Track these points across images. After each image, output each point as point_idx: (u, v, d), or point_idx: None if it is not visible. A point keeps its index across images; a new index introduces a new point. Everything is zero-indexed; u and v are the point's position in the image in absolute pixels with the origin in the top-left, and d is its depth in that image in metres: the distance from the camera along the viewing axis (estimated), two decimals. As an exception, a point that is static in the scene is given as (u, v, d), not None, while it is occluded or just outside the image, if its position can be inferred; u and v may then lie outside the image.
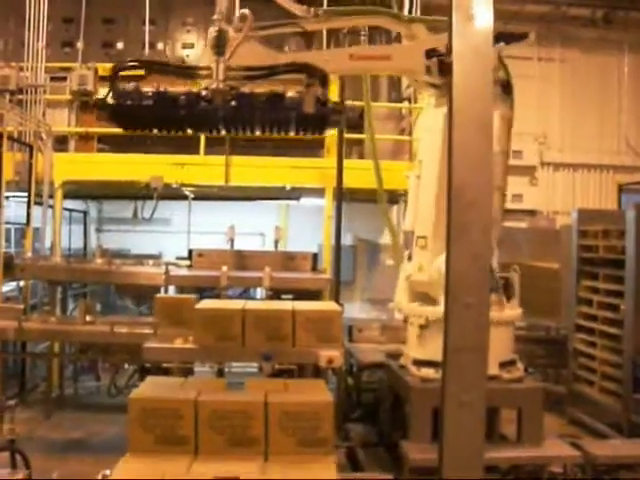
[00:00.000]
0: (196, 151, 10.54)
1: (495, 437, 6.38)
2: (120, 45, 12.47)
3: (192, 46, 12.15)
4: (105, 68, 11.21)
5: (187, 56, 12.06)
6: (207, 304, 6.16)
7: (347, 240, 12.50)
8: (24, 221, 10.24)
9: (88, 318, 8.26)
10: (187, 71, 5.48)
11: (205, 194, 11.51)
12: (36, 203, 10.32)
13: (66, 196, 11.14)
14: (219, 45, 5.12)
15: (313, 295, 7.89)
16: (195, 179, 10.58)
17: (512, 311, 6.64)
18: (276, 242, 9.10)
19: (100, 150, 11.40)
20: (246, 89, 5.30)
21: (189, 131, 6.05)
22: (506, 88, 6.50)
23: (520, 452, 6.29)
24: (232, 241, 8.79)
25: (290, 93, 5.30)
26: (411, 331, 6.70)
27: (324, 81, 5.34)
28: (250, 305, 5.99)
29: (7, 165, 9.52)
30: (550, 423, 7.50)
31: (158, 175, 9.91)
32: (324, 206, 10.14)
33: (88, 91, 11.25)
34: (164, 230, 13.81)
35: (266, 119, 5.46)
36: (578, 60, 14.30)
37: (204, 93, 5.17)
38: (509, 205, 13.00)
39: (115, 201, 13.91)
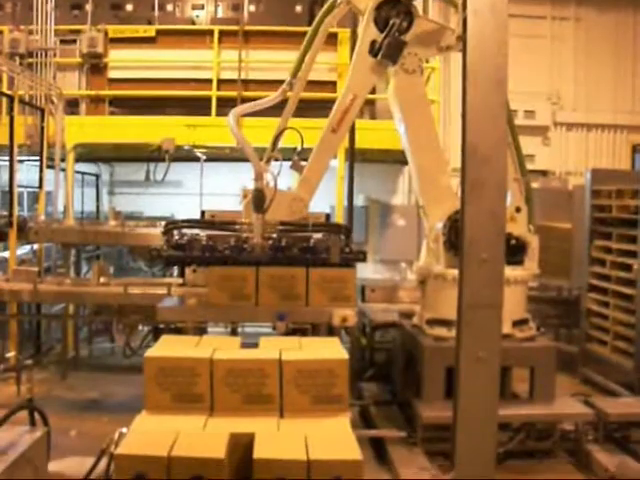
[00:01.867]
0: (208, 112, 10.51)
1: (507, 395, 6.44)
2: (129, 7, 12.34)
3: (202, 7, 12.02)
4: (114, 30, 11.21)
5: (197, 17, 11.95)
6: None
7: (359, 201, 12.48)
8: (36, 185, 10.27)
9: (102, 280, 8.33)
10: (231, 227, 6.50)
11: (217, 155, 11.51)
12: (48, 167, 10.35)
13: (78, 159, 11.18)
14: (258, 205, 6.03)
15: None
16: (207, 140, 10.58)
17: (525, 270, 6.65)
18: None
19: (111, 113, 11.38)
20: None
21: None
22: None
23: (532, 410, 6.35)
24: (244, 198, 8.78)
25: (319, 243, 6.31)
26: (428, 290, 6.73)
27: (347, 233, 6.54)
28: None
29: (19, 129, 9.54)
30: (562, 382, 7.53)
31: (170, 137, 9.91)
32: (336, 167, 10.12)
33: (98, 53, 11.31)
34: (176, 192, 13.83)
35: (297, 261, 6.23)
36: (593, 19, 14.10)
37: (246, 246, 6.19)
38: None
39: (127, 164, 13.91)
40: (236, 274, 6.14)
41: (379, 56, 6.35)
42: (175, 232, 6.46)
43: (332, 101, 6.92)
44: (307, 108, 7.98)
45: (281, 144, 7.01)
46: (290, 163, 6.66)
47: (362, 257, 6.41)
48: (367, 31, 6.45)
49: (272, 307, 5.96)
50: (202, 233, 6.47)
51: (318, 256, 6.22)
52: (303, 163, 6.72)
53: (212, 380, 4.35)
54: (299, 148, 6.63)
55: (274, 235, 6.29)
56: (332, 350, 4.65)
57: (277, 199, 6.12)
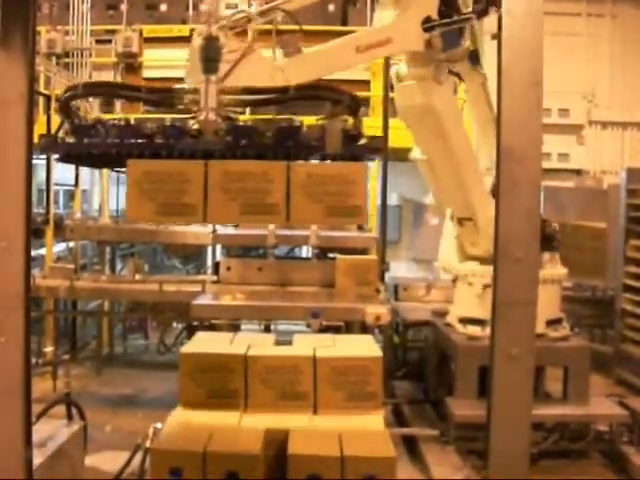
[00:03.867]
0: (242, 111, 10.57)
1: (540, 395, 6.41)
2: (164, 7, 12.47)
3: (235, 6, 12.07)
4: (149, 30, 11.28)
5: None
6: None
7: (393, 200, 12.47)
8: (72, 183, 10.39)
9: (137, 277, 8.42)
10: (165, 98, 4.35)
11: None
12: (84, 165, 10.47)
13: (113, 158, 11.27)
14: (209, 59, 3.82)
15: (359, 254, 7.93)
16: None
17: (559, 270, 6.62)
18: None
19: (146, 112, 11.49)
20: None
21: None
22: (474, 58, 6.16)
23: (566, 410, 6.31)
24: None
25: (306, 125, 4.13)
26: (461, 289, 6.71)
27: (355, 108, 4.41)
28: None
29: (55, 127, 9.66)
30: (596, 383, 7.48)
31: (204, 135, 9.96)
32: (370, 165, 10.12)
33: (133, 53, 11.41)
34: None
35: (274, 156, 4.30)
36: (629, 16, 13.93)
37: (190, 126, 3.98)
38: (555, 164, 12.94)
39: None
40: (171, 172, 3.75)
41: (432, 32, 5.11)
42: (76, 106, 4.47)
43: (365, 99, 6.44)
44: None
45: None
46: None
47: (377, 148, 4.75)
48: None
49: (230, 221, 4.49)
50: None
51: (306, 144, 4.41)
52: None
53: (246, 377, 4.34)
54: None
55: (235, 110, 4.34)
56: (366, 347, 4.67)
57: (246, 56, 4.13)
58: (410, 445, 6.33)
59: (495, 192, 6.27)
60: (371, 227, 9.09)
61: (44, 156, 9.35)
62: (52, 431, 4.59)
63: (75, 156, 4.28)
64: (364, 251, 8.13)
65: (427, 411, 7.01)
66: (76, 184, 10.22)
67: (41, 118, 9.54)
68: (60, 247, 10.50)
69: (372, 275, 6.57)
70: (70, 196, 12.30)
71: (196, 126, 3.88)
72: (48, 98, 9.56)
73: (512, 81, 3.08)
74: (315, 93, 4.36)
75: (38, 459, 4.01)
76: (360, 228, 8.48)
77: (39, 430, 4.39)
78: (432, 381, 7.31)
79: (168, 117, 10.65)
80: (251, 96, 4.19)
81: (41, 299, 8.82)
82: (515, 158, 3.02)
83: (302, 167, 3.90)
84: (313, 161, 4.27)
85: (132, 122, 4.23)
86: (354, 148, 4.32)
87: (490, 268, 3.08)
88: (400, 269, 11.27)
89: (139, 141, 4.16)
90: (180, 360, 4.42)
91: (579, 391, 6.37)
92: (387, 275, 9.24)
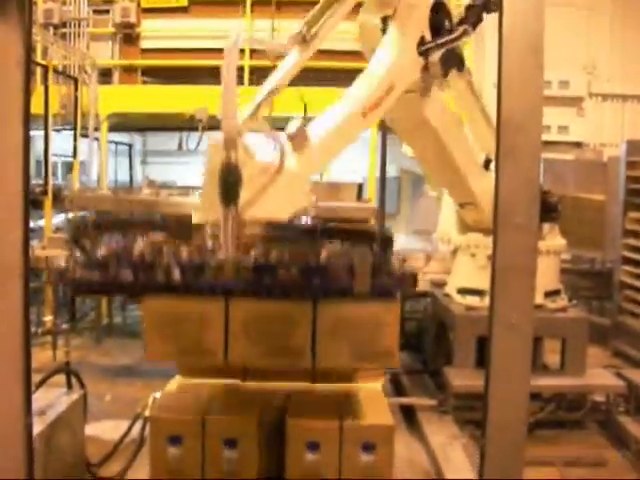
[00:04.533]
0: (240, 82, 10.51)
1: (538, 367, 6.43)
2: (162, -23, 12.34)
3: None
4: (148, 0, 11.18)
5: None
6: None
7: (391, 171, 12.45)
8: (70, 154, 10.35)
9: (136, 247, 8.41)
10: (183, 230, 4.06)
11: (250, 124, 11.49)
12: (82, 136, 10.42)
13: (111, 129, 11.22)
14: (229, 192, 3.34)
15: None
16: (240, 109, 10.56)
17: (559, 241, 6.62)
18: (321, 173, 9.07)
19: (144, 83, 11.43)
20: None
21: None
22: (459, 63, 5.82)
23: (563, 380, 6.34)
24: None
25: (334, 262, 3.87)
26: (461, 260, 6.71)
27: (388, 244, 4.20)
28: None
29: (53, 99, 9.61)
30: (594, 355, 7.51)
31: (203, 106, 9.90)
32: (368, 137, 10.09)
33: (131, 23, 11.33)
34: (209, 162, 13.88)
35: (296, 291, 3.95)
36: (630, -14, 13.83)
37: (208, 263, 3.87)
38: (555, 137, 12.89)
39: (160, 133, 13.96)
40: (190, 312, 3.91)
41: (429, 59, 4.77)
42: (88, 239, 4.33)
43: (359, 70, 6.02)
44: (333, 78, 7.91)
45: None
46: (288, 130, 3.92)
47: (412, 282, 4.39)
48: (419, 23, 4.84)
49: (251, 364, 4.10)
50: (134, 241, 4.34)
51: (334, 282, 3.94)
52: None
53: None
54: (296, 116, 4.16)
55: (256, 245, 4.07)
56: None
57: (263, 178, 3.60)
58: (408, 415, 6.36)
59: (488, 165, 6.31)
60: (370, 198, 9.07)
61: (42, 127, 9.33)
62: (52, 400, 4.62)
63: (87, 290, 4.17)
64: (363, 222, 8.10)
65: (425, 381, 7.04)
66: (74, 155, 10.18)
67: (39, 89, 9.49)
68: (59, 218, 10.48)
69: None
70: (68, 167, 12.27)
71: (216, 263, 3.71)
72: (45, 69, 9.50)
73: (513, 48, 3.06)
74: (345, 233, 4.21)
75: (38, 427, 4.04)
76: (359, 199, 8.44)
77: (39, 399, 4.42)
78: (430, 351, 7.34)
79: (171, 87, 10.63)
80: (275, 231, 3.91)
81: (40, 270, 8.82)
82: (515, 125, 3.00)
83: (329, 309, 3.80)
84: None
85: (147, 255, 4.02)
86: (384, 284, 3.98)
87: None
88: (399, 241, 11.24)
89: (155, 279, 3.96)
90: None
91: (576, 362, 6.39)
92: (386, 246, 9.22)
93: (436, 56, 4.68)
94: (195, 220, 3.77)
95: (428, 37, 4.63)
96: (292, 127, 3.84)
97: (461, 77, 5.88)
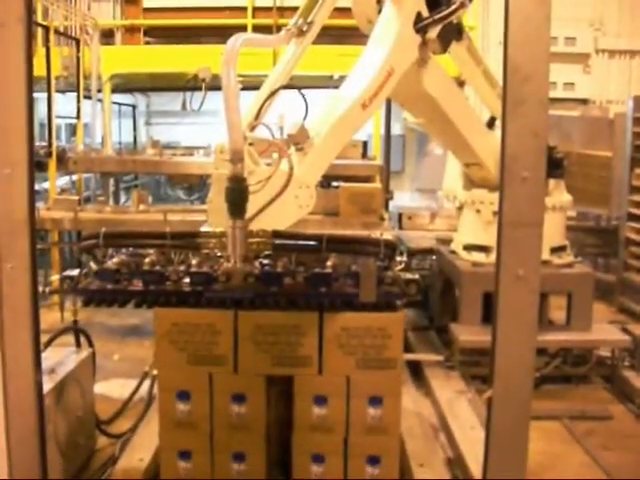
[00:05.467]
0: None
1: (544, 322, 6.45)
2: None
3: None
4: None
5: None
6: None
7: (396, 129, 12.39)
8: (74, 116, 10.31)
9: (141, 207, 8.42)
10: (191, 242, 3.97)
11: (253, 84, 11.42)
12: (85, 97, 10.38)
13: (114, 90, 11.19)
14: (237, 205, 3.49)
15: (363, 182, 7.89)
16: (243, 69, 10.42)
17: (565, 197, 6.60)
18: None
19: (146, 43, 11.36)
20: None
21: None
22: (457, 34, 5.71)
23: (569, 335, 6.35)
24: (282, 129, 8.74)
25: (339, 271, 3.99)
26: (467, 217, 6.69)
27: (391, 253, 4.08)
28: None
29: (55, 60, 9.54)
30: (599, 311, 7.53)
31: (206, 65, 9.84)
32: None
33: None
34: (213, 122, 13.81)
35: (303, 301, 4.04)
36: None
37: (216, 273, 3.91)
38: (560, 94, 12.79)
39: (163, 94, 13.91)
40: (200, 322, 3.96)
41: (426, 36, 4.68)
42: (99, 251, 4.29)
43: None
44: (340, 35, 7.82)
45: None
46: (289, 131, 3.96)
47: (415, 291, 4.31)
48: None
49: (260, 373, 4.01)
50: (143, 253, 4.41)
51: (340, 291, 4.01)
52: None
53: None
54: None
55: (264, 255, 4.06)
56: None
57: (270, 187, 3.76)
58: (415, 370, 6.41)
59: (492, 125, 6.26)
60: (375, 156, 9.06)
61: (45, 89, 9.28)
62: (61, 358, 4.66)
63: (98, 299, 4.27)
64: (368, 179, 8.09)
65: (431, 337, 7.08)
66: (78, 117, 10.14)
67: (40, 51, 9.43)
68: (63, 180, 10.49)
69: (376, 203, 6.58)
70: (72, 129, 12.24)
71: (224, 273, 3.78)
72: (47, 30, 9.42)
73: (519, -1, 3.02)
74: (350, 247, 4.13)
75: (48, 384, 4.08)
76: (364, 157, 8.45)
77: (48, 357, 4.46)
78: (436, 308, 7.36)
79: (174, 47, 10.55)
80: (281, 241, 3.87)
81: (46, 232, 8.84)
82: (521, 75, 2.98)
83: (335, 320, 3.87)
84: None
85: (157, 266, 4.15)
86: (389, 294, 4.07)
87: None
88: (404, 198, 11.25)
89: (165, 288, 4.10)
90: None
91: (582, 317, 6.40)
92: (391, 204, 9.24)
93: (434, 32, 4.63)
94: (203, 230, 3.94)
95: (425, 13, 4.55)
96: (292, 127, 3.91)
97: (460, 44, 5.82)
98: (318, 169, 4.08)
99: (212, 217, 4.05)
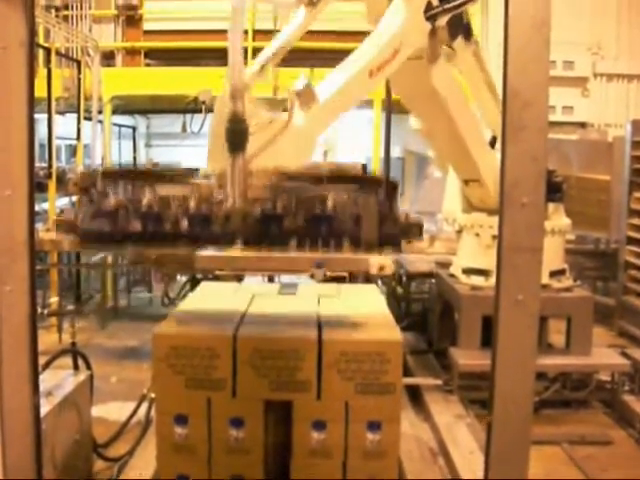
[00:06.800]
0: (244, 62, 10.46)
1: (544, 346, 6.43)
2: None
3: None
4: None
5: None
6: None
7: (396, 152, 12.43)
8: (74, 137, 10.34)
9: (140, 230, 8.41)
10: (185, 178, 3.91)
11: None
12: (85, 119, 10.41)
13: (115, 111, 11.23)
14: (236, 141, 3.45)
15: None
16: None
17: (564, 221, 6.61)
18: (325, 153, 9.09)
19: (147, 65, 11.41)
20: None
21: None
22: (467, 32, 5.76)
23: (568, 359, 6.34)
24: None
25: (340, 211, 3.81)
26: (466, 240, 6.70)
27: (393, 192, 4.01)
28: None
29: (56, 82, 9.58)
30: (599, 335, 7.52)
31: (206, 88, 9.87)
32: (373, 118, 10.06)
33: (133, 5, 11.30)
34: (213, 144, 13.83)
35: (304, 239, 3.90)
36: (636, -36, 13.71)
37: (215, 212, 3.72)
38: (559, 117, 12.83)
39: (163, 115, 13.96)
40: (199, 345, 3.98)
41: (436, 23, 4.79)
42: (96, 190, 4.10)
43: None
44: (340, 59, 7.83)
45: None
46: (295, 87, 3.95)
47: (417, 232, 4.31)
48: None
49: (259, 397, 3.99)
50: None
51: (341, 230, 3.88)
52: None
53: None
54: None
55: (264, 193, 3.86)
56: (372, 299, 4.65)
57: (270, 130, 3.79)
58: (414, 394, 6.39)
59: (494, 144, 6.28)
60: (374, 179, 9.06)
61: (45, 110, 9.31)
62: (59, 381, 4.64)
63: (95, 240, 4.14)
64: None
65: (430, 361, 7.06)
66: (78, 138, 10.17)
67: (41, 72, 9.47)
68: (63, 201, 10.49)
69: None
70: (72, 151, 12.26)
71: (223, 213, 3.61)
72: (48, 51, 9.47)
73: (519, 21, 3.03)
74: (351, 180, 3.99)
75: (46, 407, 4.06)
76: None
77: (46, 380, 4.44)
78: (435, 332, 7.35)
79: (174, 69, 10.60)
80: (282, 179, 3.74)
81: (45, 253, 8.84)
82: (521, 101, 2.98)
83: (334, 344, 3.87)
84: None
85: (155, 207, 4.00)
86: (388, 229, 3.95)
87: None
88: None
89: (162, 228, 3.93)
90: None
91: (582, 341, 6.39)
92: (390, 227, 9.21)
93: (443, 20, 4.77)
94: (203, 170, 3.84)
95: (435, 2, 4.68)
96: (299, 84, 3.91)
97: (468, 47, 5.88)
98: (320, 124, 4.06)
99: (211, 155, 3.90)
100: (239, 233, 3.75)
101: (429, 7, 4.65)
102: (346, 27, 9.74)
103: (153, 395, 4.40)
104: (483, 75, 6.18)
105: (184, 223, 3.81)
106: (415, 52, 4.84)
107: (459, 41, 5.65)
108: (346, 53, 4.46)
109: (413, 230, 4.21)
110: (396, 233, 4.03)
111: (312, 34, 5.53)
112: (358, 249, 3.93)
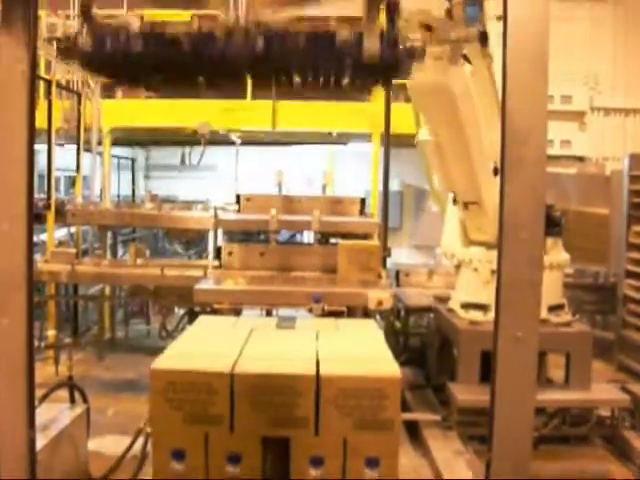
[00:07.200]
0: (243, 96, 10.54)
1: (543, 381, 6.40)
2: (166, -7, 12.40)
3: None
4: (150, 14, 11.26)
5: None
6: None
7: (394, 186, 12.46)
8: (72, 168, 10.37)
9: (139, 261, 8.41)
10: None
11: (252, 139, 11.53)
12: (85, 150, 10.45)
13: (114, 143, 11.26)
14: None
15: (361, 240, 7.89)
16: (242, 124, 10.60)
17: (562, 255, 6.61)
18: (324, 187, 9.12)
19: (147, 97, 11.45)
20: (278, 22, 3.72)
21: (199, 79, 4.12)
22: (483, 39, 5.95)
23: (568, 395, 6.30)
24: (280, 185, 8.78)
25: (343, 32, 3.64)
26: (464, 275, 6.69)
27: (393, 12, 3.77)
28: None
29: (56, 113, 9.63)
30: (598, 369, 7.49)
31: (205, 121, 9.95)
32: (371, 151, 10.11)
33: (134, 38, 11.37)
34: (211, 176, 13.88)
35: (308, 66, 3.84)
36: (632, 1, 13.84)
37: (218, 32, 3.59)
38: (557, 151, 12.90)
39: (163, 147, 14.01)
40: (196, 381, 3.93)
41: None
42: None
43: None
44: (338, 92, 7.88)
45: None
46: None
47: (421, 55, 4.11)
48: None
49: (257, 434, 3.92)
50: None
51: (342, 53, 3.75)
52: None
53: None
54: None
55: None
56: (370, 334, 4.63)
57: None
58: (412, 430, 6.34)
59: (497, 173, 6.28)
60: (373, 213, 9.09)
61: (45, 141, 9.34)
62: (55, 414, 4.61)
63: (95, 64, 4.00)
64: (366, 237, 8.10)
65: (429, 396, 7.02)
66: (77, 169, 10.21)
67: (42, 103, 9.52)
68: (61, 232, 10.50)
69: (374, 260, 6.60)
70: (71, 182, 12.30)
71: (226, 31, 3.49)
72: (49, 83, 9.52)
73: (517, 56, 3.05)
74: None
75: (42, 441, 4.03)
76: (362, 214, 8.47)
77: (42, 413, 4.41)
78: (434, 367, 7.31)
79: (174, 102, 10.65)
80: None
81: (43, 284, 8.82)
82: (521, 136, 3.00)
83: (332, 380, 3.83)
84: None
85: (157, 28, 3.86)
86: (391, 53, 3.75)
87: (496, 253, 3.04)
88: (401, 255, 11.27)
89: (164, 49, 3.79)
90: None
91: (581, 376, 6.35)
92: (389, 261, 9.23)
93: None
94: None
95: None
96: None
97: (484, 57, 5.93)
98: None
99: None
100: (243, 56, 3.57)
101: None
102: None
103: (149, 429, 4.36)
104: (492, 89, 6.18)
105: (186, 44, 3.69)
106: (436, 52, 5.07)
107: (476, 47, 5.72)
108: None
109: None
110: (397, 56, 3.82)
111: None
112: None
